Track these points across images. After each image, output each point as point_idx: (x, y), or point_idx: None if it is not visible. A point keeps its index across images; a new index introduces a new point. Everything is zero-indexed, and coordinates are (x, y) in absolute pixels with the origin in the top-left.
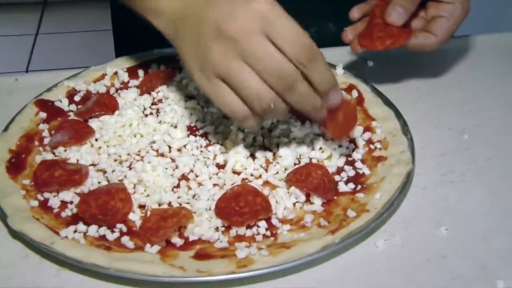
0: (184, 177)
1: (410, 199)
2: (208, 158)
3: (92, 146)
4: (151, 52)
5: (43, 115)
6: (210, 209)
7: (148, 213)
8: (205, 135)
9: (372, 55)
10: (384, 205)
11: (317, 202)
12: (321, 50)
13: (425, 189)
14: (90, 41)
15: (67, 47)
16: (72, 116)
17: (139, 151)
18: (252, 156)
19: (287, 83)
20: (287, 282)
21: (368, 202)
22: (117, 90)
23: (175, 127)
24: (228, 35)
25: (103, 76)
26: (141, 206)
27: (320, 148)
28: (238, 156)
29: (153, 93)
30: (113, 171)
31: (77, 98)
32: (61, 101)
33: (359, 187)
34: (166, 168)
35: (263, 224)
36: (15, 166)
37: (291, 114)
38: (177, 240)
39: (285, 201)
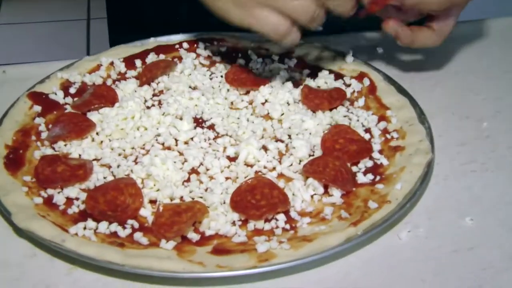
0: (194, 170)
1: (432, 189)
2: (218, 151)
3: (93, 140)
4: (147, 41)
5: (37, 108)
6: (224, 203)
7: (161, 208)
8: (212, 127)
9: (382, 42)
10: (406, 195)
11: (336, 194)
12: (330, 37)
13: (447, 179)
14: (53, 33)
15: (26, 39)
16: (68, 109)
17: (143, 144)
18: (264, 148)
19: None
20: (310, 275)
21: (389, 193)
22: (114, 81)
23: (181, 119)
24: None
25: (98, 67)
26: (152, 201)
27: None
28: (250, 147)
29: (153, 84)
30: (118, 165)
31: (72, 90)
32: (56, 94)
33: (378, 178)
34: (175, 162)
35: (281, 217)
36: (14, 162)
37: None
38: (193, 235)
39: (302, 194)
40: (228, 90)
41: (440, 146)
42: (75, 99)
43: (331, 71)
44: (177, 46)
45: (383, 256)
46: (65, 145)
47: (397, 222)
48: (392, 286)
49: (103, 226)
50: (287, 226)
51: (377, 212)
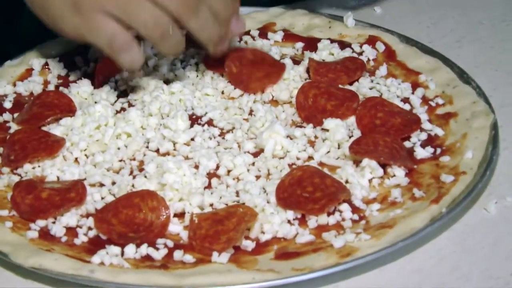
0: (212, 174)
1: (504, 154)
2: (232, 148)
3: (65, 158)
4: None
5: None
6: (269, 202)
7: (195, 219)
8: (211, 123)
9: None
10: (480, 163)
11: (399, 174)
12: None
13: None
14: None
15: None
16: (14, 127)
17: (133, 155)
18: (289, 136)
19: (190, 6)
20: (400, 265)
21: (459, 164)
22: (57, 87)
23: (169, 117)
24: None
25: (28, 72)
26: (177, 215)
27: None
28: (276, 136)
29: (110, 84)
30: (113, 182)
31: (7, 104)
32: None
33: (439, 150)
34: (188, 165)
35: (345, 207)
36: None
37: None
38: (247, 244)
39: (358, 179)
40: (212, 77)
41: (495, 107)
42: (15, 114)
43: (331, 40)
44: None
45: (477, 233)
46: (34, 167)
47: (480, 194)
48: (500, 266)
49: (130, 250)
50: (355, 217)
51: (455, 186)
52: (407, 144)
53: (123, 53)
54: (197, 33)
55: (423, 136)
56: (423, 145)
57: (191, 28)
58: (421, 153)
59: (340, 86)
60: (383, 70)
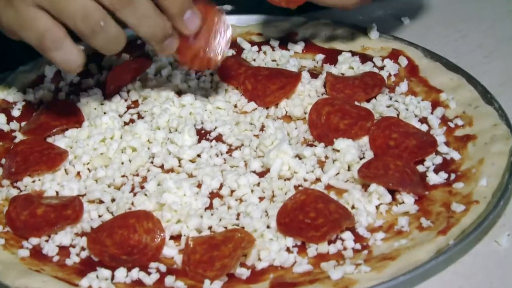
0: (214, 194)
1: None
2: (238, 167)
3: (66, 172)
4: None
5: None
6: (269, 228)
7: (191, 243)
8: (220, 138)
9: (406, 9)
10: (495, 192)
11: (408, 201)
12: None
13: None
14: None
15: None
16: (19, 136)
17: (137, 170)
18: (298, 156)
19: None
20: None
21: (472, 191)
22: (68, 95)
23: (177, 131)
24: None
25: (40, 79)
26: (173, 237)
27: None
28: (283, 156)
29: (122, 93)
30: (113, 199)
31: (15, 112)
32: None
33: (453, 176)
34: (189, 185)
35: (348, 235)
36: None
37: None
38: (241, 271)
39: (365, 205)
40: (226, 90)
41: None
42: (23, 123)
43: (353, 53)
44: (139, 41)
45: (485, 267)
46: (33, 181)
47: (491, 225)
48: None
49: (121, 274)
50: (358, 246)
51: (465, 216)
52: (420, 168)
53: (55, 51)
54: (134, 27)
55: (438, 160)
56: (437, 169)
57: (127, 22)
58: (434, 178)
59: (356, 103)
60: (403, 86)
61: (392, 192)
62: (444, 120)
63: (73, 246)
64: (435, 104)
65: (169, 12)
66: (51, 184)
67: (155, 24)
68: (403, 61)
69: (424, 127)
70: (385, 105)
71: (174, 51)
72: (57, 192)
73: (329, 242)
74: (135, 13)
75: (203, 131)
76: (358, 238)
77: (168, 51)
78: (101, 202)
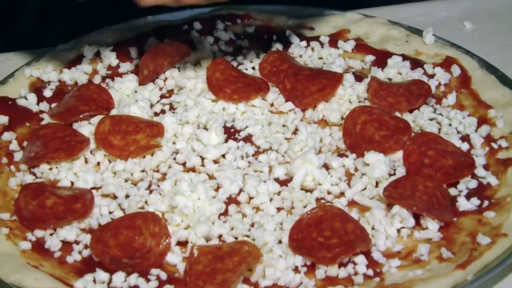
0: (232, 200)
1: None
2: (262, 172)
3: (86, 161)
4: (144, 20)
5: (3, 119)
6: (281, 243)
7: (195, 251)
8: (249, 139)
9: (471, 13)
10: None
11: (432, 227)
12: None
13: None
14: None
15: None
16: (46, 119)
17: (157, 166)
18: (326, 166)
19: None
20: None
21: (503, 223)
22: (104, 78)
23: (205, 128)
24: None
25: (78, 60)
26: (181, 243)
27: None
28: (308, 166)
29: (158, 81)
30: (127, 195)
31: (47, 92)
32: (26, 98)
33: (486, 203)
34: (205, 188)
35: (361, 260)
36: None
37: None
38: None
39: (386, 227)
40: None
41: None
42: (53, 104)
43: (404, 57)
44: (185, 26)
45: None
46: (50, 169)
47: None
48: None
49: (119, 278)
50: (370, 272)
51: (490, 250)
52: (452, 191)
53: None
54: None
55: (473, 184)
56: (470, 194)
57: None
58: (465, 204)
59: (397, 113)
60: (451, 98)
61: (417, 216)
62: (488, 139)
63: (77, 243)
64: (481, 121)
65: None
66: (67, 174)
67: None
68: (456, 71)
69: (465, 146)
70: (427, 118)
71: None
72: (72, 183)
73: (340, 265)
74: None
75: (232, 130)
76: (372, 263)
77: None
78: (114, 197)
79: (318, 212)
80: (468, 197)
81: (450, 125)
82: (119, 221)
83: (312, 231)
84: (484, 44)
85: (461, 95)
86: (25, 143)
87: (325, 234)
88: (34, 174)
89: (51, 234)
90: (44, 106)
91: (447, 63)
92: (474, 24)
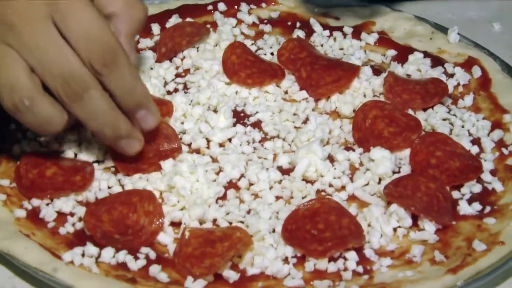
0: (232, 184)
1: None
2: (266, 159)
3: (93, 134)
4: None
5: None
6: (274, 232)
7: (187, 233)
8: (258, 125)
9: (501, 14)
10: None
11: (428, 229)
12: (429, 2)
13: None
14: None
15: None
16: None
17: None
18: (330, 158)
19: (73, 90)
20: None
21: (502, 230)
22: None
23: (215, 111)
24: (3, 19)
25: None
26: (174, 224)
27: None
28: (312, 157)
29: (176, 60)
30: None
31: None
32: None
33: (488, 208)
34: (206, 171)
35: (352, 256)
36: None
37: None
38: (230, 274)
39: (382, 225)
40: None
41: None
42: None
43: (426, 54)
44: (210, 7)
45: None
46: (56, 139)
47: None
48: None
49: (108, 254)
50: (360, 269)
51: (484, 257)
52: (455, 194)
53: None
54: (84, 121)
55: (477, 188)
56: (473, 199)
57: (76, 115)
58: (466, 208)
59: (411, 110)
60: (468, 100)
61: (415, 216)
62: (499, 144)
63: (72, 215)
64: (495, 125)
65: (124, 108)
66: (71, 146)
67: (108, 121)
68: (477, 72)
69: (475, 149)
70: (440, 118)
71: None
72: (75, 155)
73: (330, 259)
74: (83, 107)
75: (242, 114)
76: (363, 260)
77: (132, 153)
78: (116, 172)
79: (315, 204)
80: (470, 201)
81: (462, 126)
82: (116, 196)
83: (306, 223)
84: (511, 47)
85: (478, 97)
86: None
87: (318, 227)
88: (39, 143)
89: (47, 204)
90: None
91: (468, 64)
92: (503, 25)
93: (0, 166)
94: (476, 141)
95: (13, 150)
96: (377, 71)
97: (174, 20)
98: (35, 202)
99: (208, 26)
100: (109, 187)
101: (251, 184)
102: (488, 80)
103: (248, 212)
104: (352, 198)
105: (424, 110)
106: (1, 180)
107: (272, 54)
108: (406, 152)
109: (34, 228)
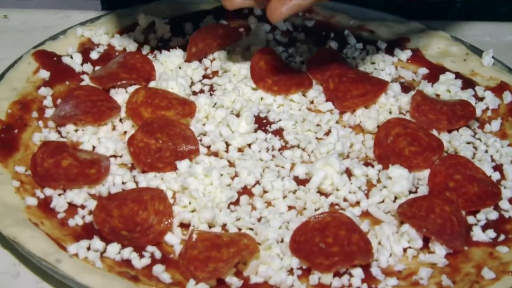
0: (246, 190)
1: None
2: (283, 168)
3: (114, 128)
4: None
5: (45, 74)
6: (282, 242)
7: (194, 236)
8: (279, 133)
9: None
10: None
11: (439, 252)
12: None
13: None
14: None
15: None
16: (86, 80)
17: None
18: (348, 172)
19: None
20: None
21: None
22: (153, 49)
23: (238, 115)
24: None
25: (133, 27)
26: (183, 225)
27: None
28: (328, 169)
29: (205, 61)
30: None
31: (94, 55)
32: (71, 57)
33: (502, 237)
34: (222, 175)
35: (358, 272)
36: (5, 144)
37: None
38: (233, 280)
39: (392, 244)
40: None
41: None
42: (97, 67)
43: (458, 75)
44: (246, 10)
45: None
46: (76, 130)
47: None
48: None
49: (114, 249)
50: (365, 287)
51: (492, 285)
52: (471, 219)
53: None
54: None
55: (493, 215)
56: (488, 226)
57: None
58: (479, 235)
59: (435, 131)
60: (495, 125)
61: (427, 238)
62: None
63: (83, 207)
64: None
65: None
66: (90, 138)
67: None
68: (507, 97)
69: (496, 175)
70: (464, 141)
71: None
72: (93, 147)
73: (336, 274)
74: None
75: (265, 121)
76: (368, 278)
77: (280, 15)
78: (132, 168)
79: (326, 217)
80: (485, 228)
81: (486, 151)
82: (128, 193)
83: (315, 235)
84: None
85: (506, 123)
86: (58, 101)
87: (327, 241)
88: (59, 132)
89: (59, 195)
90: (87, 67)
91: (500, 88)
92: None
93: (18, 153)
94: (498, 168)
95: (33, 138)
96: (406, 88)
97: (208, 20)
98: (48, 191)
99: (242, 29)
100: (123, 183)
101: (265, 192)
102: None
103: (259, 219)
104: (365, 214)
105: (449, 131)
106: (17, 167)
107: (302, 62)
108: (426, 173)
109: (44, 217)
